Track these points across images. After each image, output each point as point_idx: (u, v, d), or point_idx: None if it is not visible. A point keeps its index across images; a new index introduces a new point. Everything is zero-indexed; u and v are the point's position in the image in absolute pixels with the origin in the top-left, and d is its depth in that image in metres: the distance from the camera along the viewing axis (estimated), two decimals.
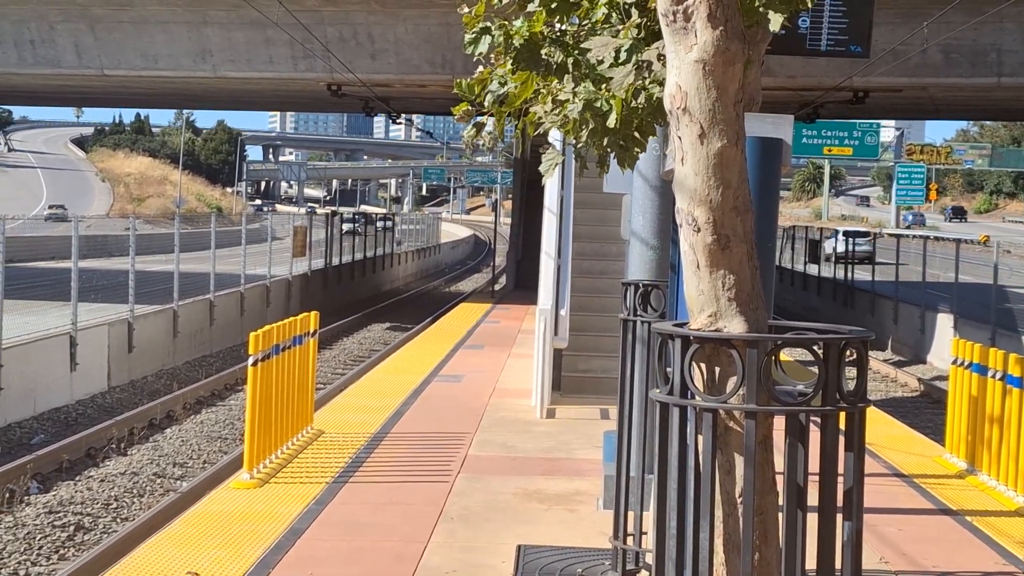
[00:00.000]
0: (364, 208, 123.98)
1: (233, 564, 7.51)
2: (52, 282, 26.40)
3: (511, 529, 8.55)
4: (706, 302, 4.14)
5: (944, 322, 28.06)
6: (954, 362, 11.12)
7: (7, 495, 13.41)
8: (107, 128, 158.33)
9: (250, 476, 9.67)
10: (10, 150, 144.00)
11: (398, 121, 38.65)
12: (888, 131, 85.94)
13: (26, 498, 13.62)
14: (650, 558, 5.67)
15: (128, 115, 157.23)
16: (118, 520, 13.09)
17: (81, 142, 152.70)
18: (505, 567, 7.63)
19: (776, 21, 4.14)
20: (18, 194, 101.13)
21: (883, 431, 12.92)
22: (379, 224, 53.33)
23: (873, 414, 13.10)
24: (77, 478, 14.84)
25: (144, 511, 13.28)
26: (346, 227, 46.57)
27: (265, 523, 8.46)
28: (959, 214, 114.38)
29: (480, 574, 7.51)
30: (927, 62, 27.79)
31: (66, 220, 65.09)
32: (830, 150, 50.03)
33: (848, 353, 4.07)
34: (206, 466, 15.69)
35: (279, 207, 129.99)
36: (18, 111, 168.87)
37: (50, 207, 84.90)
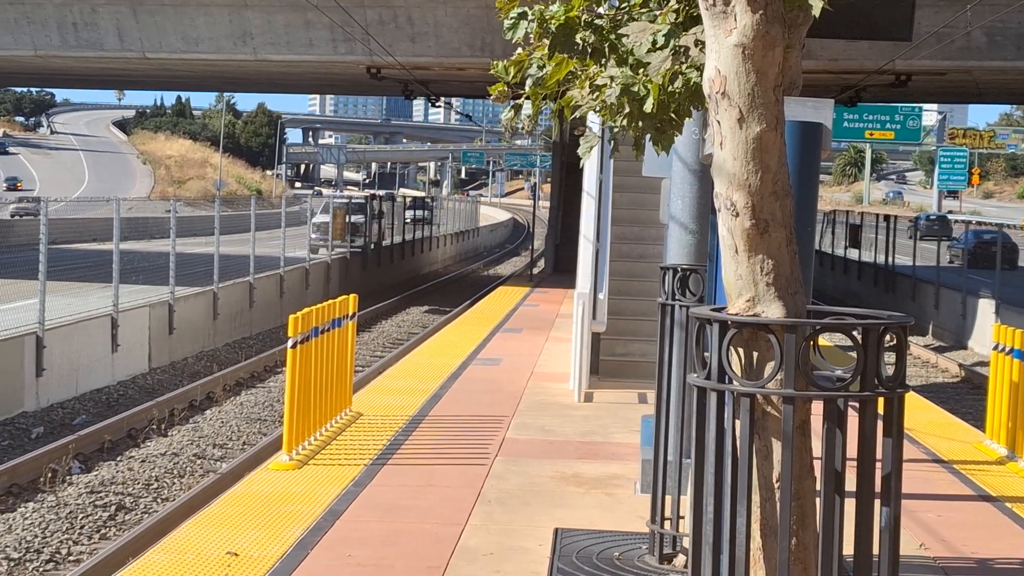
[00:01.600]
0: (404, 191, 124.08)
1: (272, 545, 7.57)
2: (94, 264, 26.60)
3: (548, 512, 8.57)
4: (744, 287, 4.13)
5: (986, 307, 27.85)
6: (995, 348, 11.04)
7: (50, 475, 13.54)
8: (148, 111, 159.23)
9: (289, 458, 9.73)
10: (52, 132, 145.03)
11: (437, 104, 38.72)
12: (930, 115, 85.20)
13: (68, 478, 13.75)
14: (687, 542, 5.68)
15: (169, 98, 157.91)
16: (159, 500, 13.21)
17: (123, 125, 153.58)
18: (542, 550, 7.65)
19: (817, 5, 4.11)
20: (61, 176, 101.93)
21: (923, 417, 12.85)
22: (407, 215, 49.93)
23: (913, 399, 13.04)
24: (118, 458, 14.97)
25: (184, 492, 13.38)
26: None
27: (304, 504, 8.52)
28: (951, 194, 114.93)
29: (517, 557, 7.53)
30: (971, 45, 27.52)
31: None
32: (872, 134, 49.71)
33: (887, 338, 4.05)
34: (245, 447, 15.80)
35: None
36: (60, 94, 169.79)
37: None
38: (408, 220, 49.95)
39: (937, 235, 40.66)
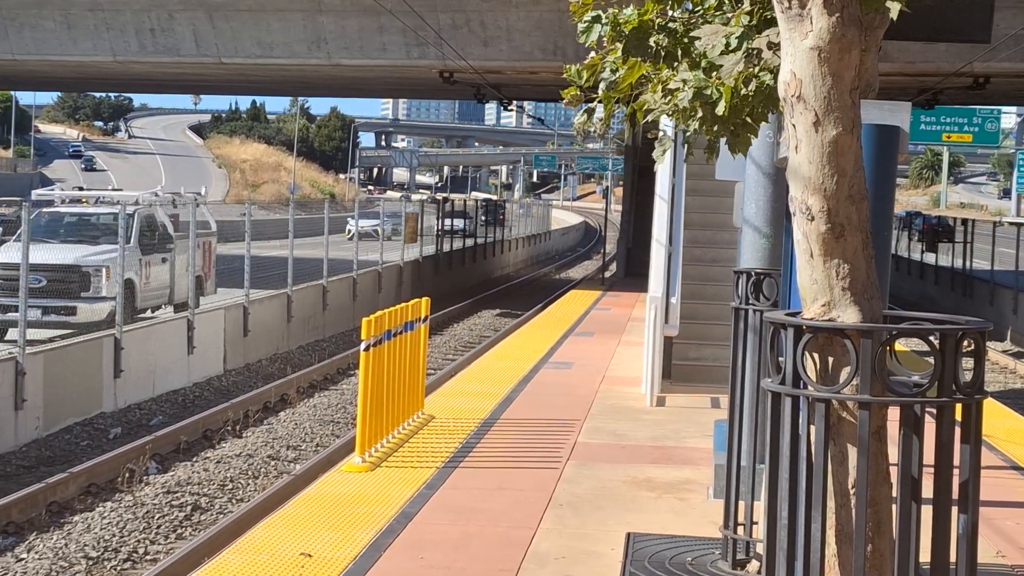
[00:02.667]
0: (476, 195, 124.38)
1: (345, 546, 7.62)
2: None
3: (620, 517, 8.55)
4: (819, 291, 4.10)
5: None
6: None
7: (127, 475, 13.73)
8: (224, 115, 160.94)
9: (362, 460, 9.79)
10: (130, 137, 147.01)
11: (509, 108, 38.72)
12: (1009, 117, 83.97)
13: (145, 478, 13.93)
14: (761, 548, 5.64)
15: (244, 102, 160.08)
16: (233, 501, 13.34)
17: (198, 129, 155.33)
18: (614, 554, 7.63)
19: (894, 8, 4.07)
20: (138, 180, 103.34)
21: (1001, 423, 12.67)
22: (453, 222, 43.46)
23: (991, 406, 12.86)
24: (194, 459, 15.14)
25: (259, 493, 13.50)
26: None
27: (376, 506, 8.56)
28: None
29: (589, 561, 7.52)
30: None
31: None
32: (949, 137, 49.05)
33: (965, 343, 4.00)
34: (319, 449, 15.91)
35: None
36: (138, 98, 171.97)
37: None
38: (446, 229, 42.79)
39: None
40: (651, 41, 4.96)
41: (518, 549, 7.68)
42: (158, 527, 12.15)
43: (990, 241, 35.05)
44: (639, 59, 5.05)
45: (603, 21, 5.02)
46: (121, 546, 11.49)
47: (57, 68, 35.19)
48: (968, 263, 36.88)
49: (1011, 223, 53.99)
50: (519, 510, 8.62)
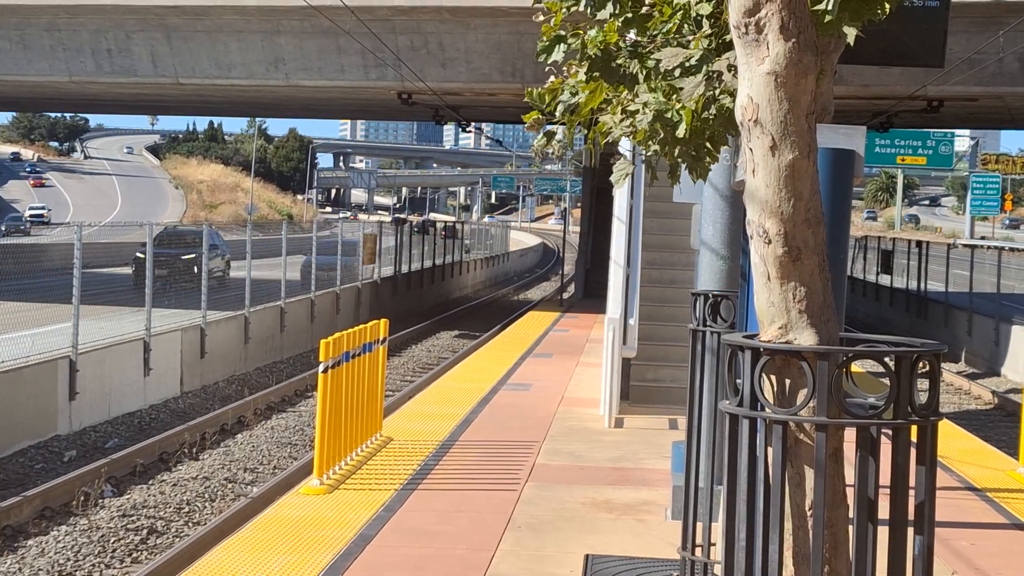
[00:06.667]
0: (435, 216, 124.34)
1: (303, 569, 7.58)
2: (127, 288, 26.71)
3: (579, 538, 8.56)
4: (776, 314, 4.13)
5: (1019, 334, 27.64)
6: None
7: (82, 498, 13.60)
8: (181, 135, 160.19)
9: (320, 482, 9.75)
10: (86, 157, 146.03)
11: (468, 129, 38.78)
12: (963, 140, 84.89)
13: (100, 501, 13.81)
14: (719, 570, 5.66)
15: (202, 123, 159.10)
16: (190, 524, 13.24)
17: (155, 149, 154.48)
18: None
19: (851, 33, 4.11)
20: (94, 201, 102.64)
21: (956, 444, 12.77)
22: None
23: (946, 427, 12.96)
24: (150, 482, 15.02)
25: (216, 516, 13.41)
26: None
27: (334, 529, 8.53)
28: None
29: None
30: (1003, 71, 27.44)
31: None
32: (904, 159, 49.50)
33: (921, 365, 4.04)
34: (276, 472, 15.82)
35: (380, 214, 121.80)
36: (94, 119, 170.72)
37: None
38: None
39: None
40: (617, 63, 4.98)
41: (477, 572, 7.66)
42: (113, 551, 12.05)
43: (944, 263, 35.37)
44: (602, 82, 5.07)
45: (567, 41, 5.04)
46: (76, 570, 11.38)
47: (12, 88, 34.98)
48: (923, 285, 37.17)
49: (965, 245, 54.50)
50: (478, 532, 8.61)
